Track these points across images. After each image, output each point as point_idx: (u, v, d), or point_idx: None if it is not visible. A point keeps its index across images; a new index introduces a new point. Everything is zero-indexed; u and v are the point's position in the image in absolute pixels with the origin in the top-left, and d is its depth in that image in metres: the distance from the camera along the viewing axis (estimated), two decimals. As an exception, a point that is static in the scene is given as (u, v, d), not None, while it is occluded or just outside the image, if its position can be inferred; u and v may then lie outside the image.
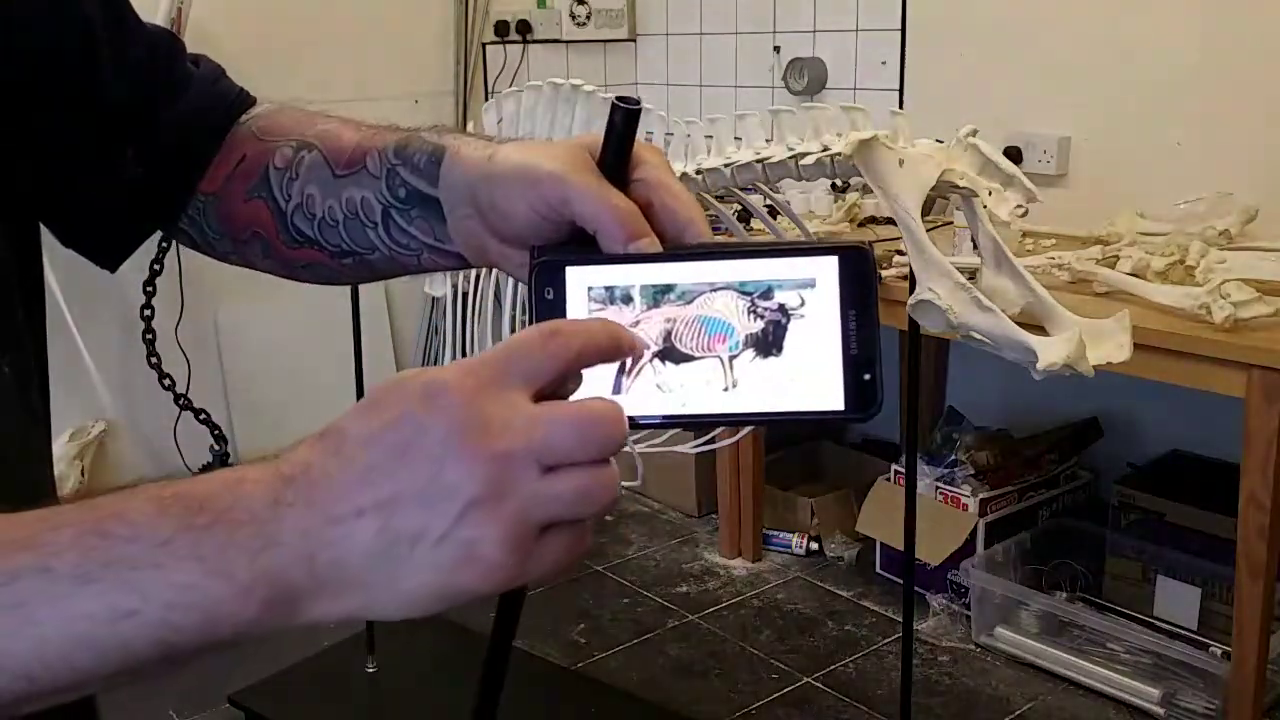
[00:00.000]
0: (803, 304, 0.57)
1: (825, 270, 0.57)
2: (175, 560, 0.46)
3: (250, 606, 0.48)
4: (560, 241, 0.62)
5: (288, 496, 0.48)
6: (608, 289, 0.57)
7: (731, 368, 0.56)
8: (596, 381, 0.55)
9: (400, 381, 0.49)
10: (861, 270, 0.57)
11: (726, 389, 0.56)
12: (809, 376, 0.56)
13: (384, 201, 0.74)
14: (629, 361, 0.55)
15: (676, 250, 0.60)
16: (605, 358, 0.53)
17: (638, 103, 0.62)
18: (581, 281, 0.58)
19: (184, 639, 0.47)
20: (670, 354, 0.57)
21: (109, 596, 0.46)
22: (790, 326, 0.57)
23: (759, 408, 0.56)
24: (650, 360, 0.56)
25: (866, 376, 0.56)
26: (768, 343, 0.56)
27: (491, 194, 0.65)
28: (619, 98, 0.62)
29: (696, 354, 0.56)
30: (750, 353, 0.56)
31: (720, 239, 0.56)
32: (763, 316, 0.57)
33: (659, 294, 0.57)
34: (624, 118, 0.62)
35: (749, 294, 0.57)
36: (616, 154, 0.62)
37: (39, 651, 0.45)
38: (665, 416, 0.57)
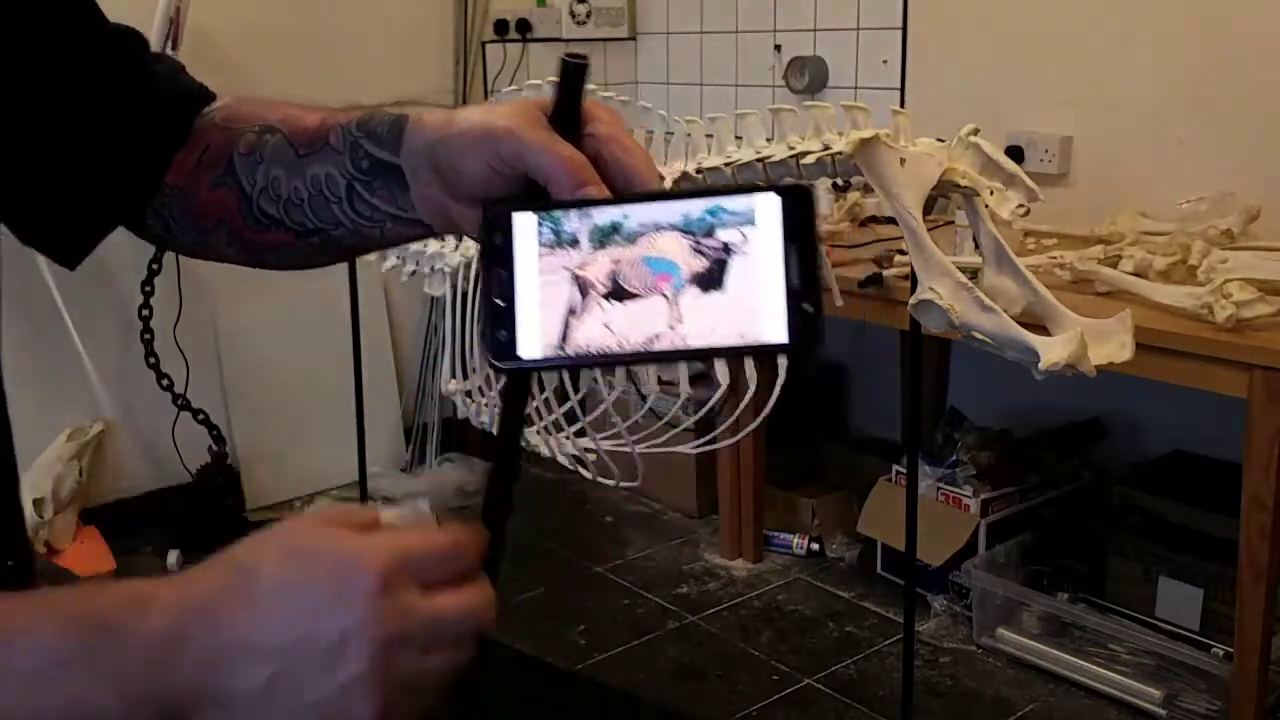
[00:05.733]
0: (745, 240, 0.58)
1: (766, 208, 0.58)
2: (72, 678, 0.50)
3: (139, 718, 0.51)
4: (515, 195, 0.65)
5: (192, 629, 0.52)
6: (555, 233, 0.60)
7: (677, 305, 0.58)
8: (548, 323, 0.58)
9: (320, 541, 0.54)
10: (802, 207, 0.58)
11: (672, 326, 0.58)
12: (753, 311, 0.58)
13: (348, 175, 0.77)
14: (578, 304, 0.58)
15: (621, 196, 0.62)
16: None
17: (585, 58, 0.65)
18: (528, 226, 0.60)
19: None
20: (617, 294, 0.59)
21: (8, 701, 0.49)
22: (733, 263, 0.58)
23: (705, 343, 0.58)
24: (598, 300, 0.59)
25: (809, 309, 0.58)
26: (711, 279, 0.58)
27: (450, 154, 0.68)
28: (567, 54, 0.65)
29: (642, 293, 0.59)
30: (694, 290, 0.58)
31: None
32: (706, 254, 0.58)
33: (604, 236, 0.59)
34: (572, 71, 0.65)
35: (692, 233, 0.58)
36: (565, 108, 0.65)
37: None
38: (613, 354, 0.59)
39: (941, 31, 3.39)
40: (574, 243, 0.60)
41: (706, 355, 0.60)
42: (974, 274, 1.50)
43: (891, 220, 2.51)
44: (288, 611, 0.51)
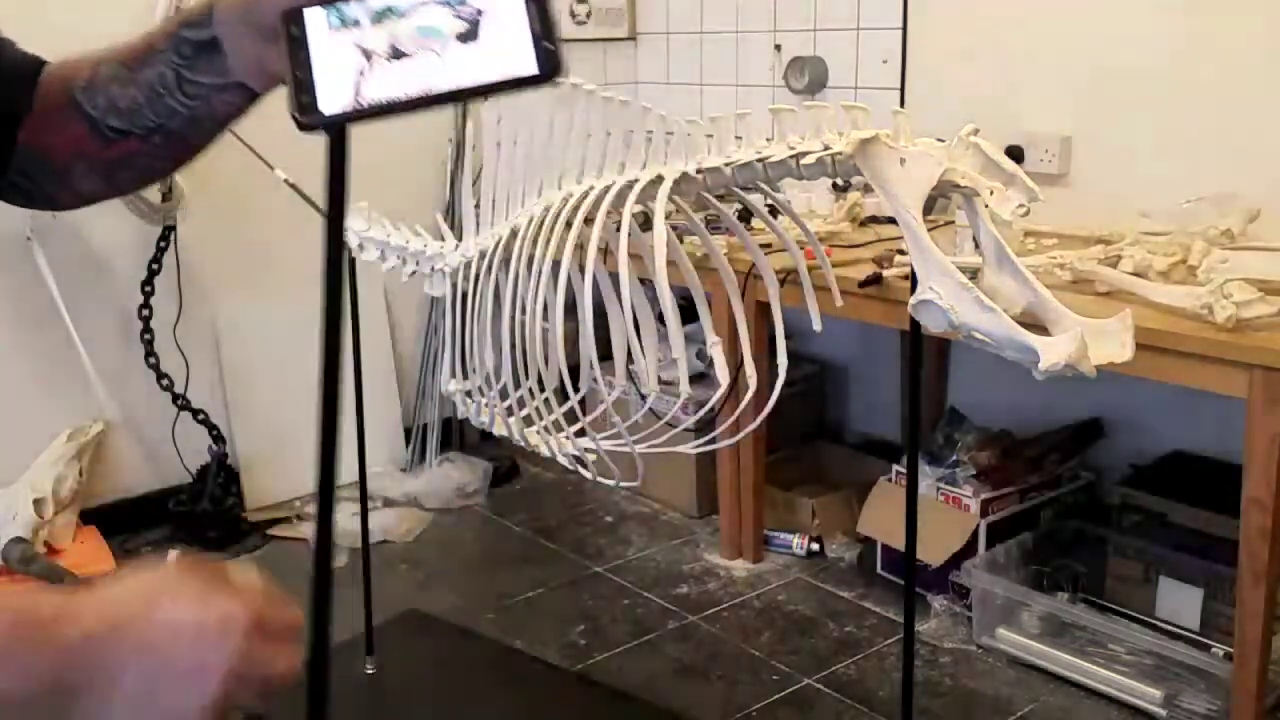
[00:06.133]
0: (492, 2, 0.74)
1: None
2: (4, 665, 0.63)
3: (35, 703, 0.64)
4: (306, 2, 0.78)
5: (96, 644, 0.65)
6: (340, 19, 0.75)
7: (444, 58, 0.74)
8: (343, 84, 0.73)
9: (208, 599, 0.69)
10: None
11: (443, 75, 0.73)
12: (506, 54, 0.73)
13: (174, 66, 0.88)
14: (365, 67, 0.73)
15: None
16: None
17: None
18: (319, 18, 0.75)
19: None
20: (396, 56, 0.74)
21: None
22: (484, 21, 0.74)
23: (473, 82, 0.73)
24: (381, 63, 0.74)
25: (550, 46, 0.73)
26: (470, 36, 0.73)
27: (257, 3, 0.81)
28: None
29: (415, 54, 0.74)
30: (457, 45, 0.73)
31: None
32: (463, 18, 0.74)
33: (381, 16, 0.75)
34: None
35: (449, 4, 0.74)
36: None
37: None
38: (398, 101, 0.74)
39: (941, 31, 3.39)
40: (357, 24, 0.75)
41: (473, 93, 0.74)
42: (974, 274, 1.50)
43: (891, 220, 2.51)
44: (173, 648, 0.67)
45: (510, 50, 0.74)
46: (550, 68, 0.73)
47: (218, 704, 0.68)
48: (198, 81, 0.88)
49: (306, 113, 0.74)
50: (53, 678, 0.64)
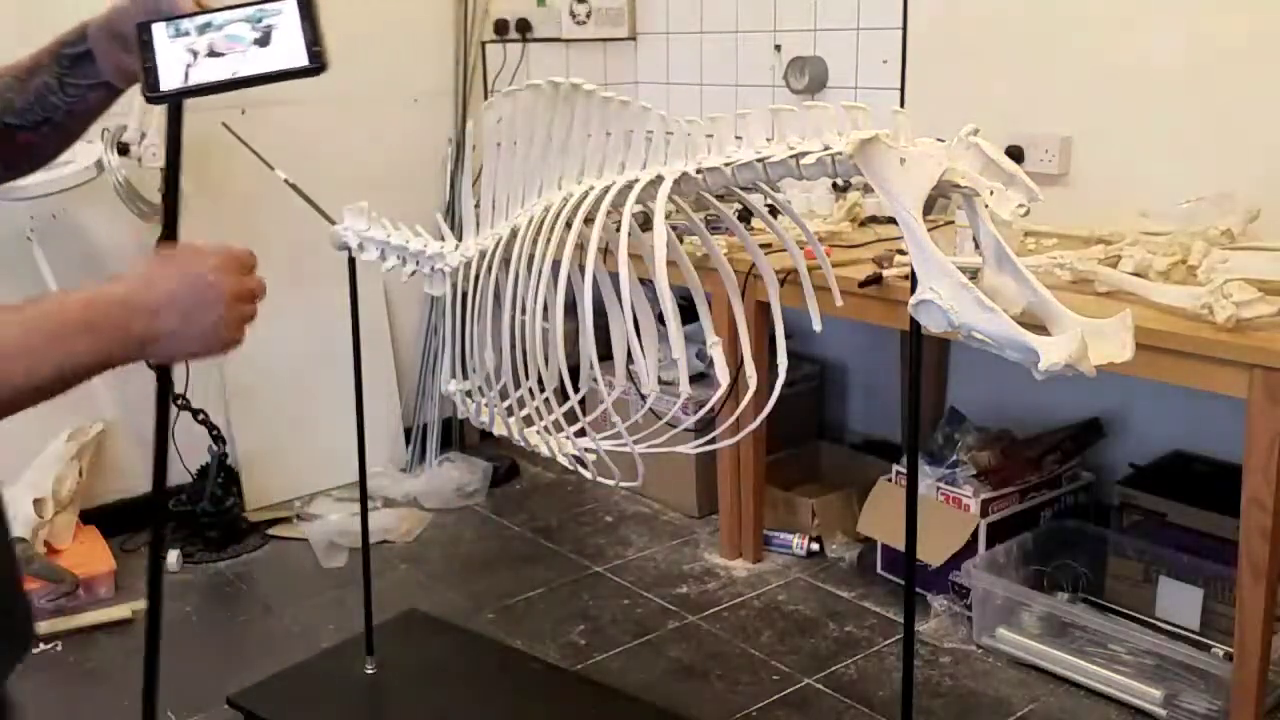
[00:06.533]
0: (280, 18, 1.15)
1: (287, 8, 1.16)
2: (94, 336, 0.97)
3: (124, 350, 0.99)
4: (154, 18, 1.16)
5: (140, 311, 0.99)
6: (176, 31, 1.14)
7: (246, 56, 1.14)
8: (176, 71, 1.13)
9: (196, 251, 1.05)
10: (305, 5, 1.16)
11: (245, 65, 1.14)
12: (288, 53, 1.14)
13: (58, 73, 1.24)
14: (192, 61, 1.13)
15: (210, 9, 1.17)
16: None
17: None
18: (162, 30, 1.14)
19: (98, 362, 0.97)
20: (213, 55, 1.13)
21: (77, 347, 0.95)
22: (273, 32, 1.15)
23: (264, 70, 1.14)
24: (204, 59, 1.13)
25: (318, 49, 1.15)
26: (264, 41, 1.14)
27: (118, 18, 1.20)
28: None
29: (227, 53, 1.14)
30: (255, 48, 1.14)
31: None
32: (258, 29, 1.14)
33: (204, 28, 1.15)
34: None
35: (250, 20, 1.15)
36: None
37: (68, 360, 0.95)
38: (214, 83, 1.13)
39: (941, 31, 3.39)
40: (188, 34, 1.14)
41: (264, 78, 1.15)
42: (974, 274, 1.50)
43: (891, 220, 2.51)
44: (185, 287, 1.01)
45: (291, 51, 1.15)
46: (318, 63, 1.16)
47: (230, 315, 1.03)
48: (76, 84, 1.25)
49: (153, 91, 1.14)
50: (130, 335, 0.99)
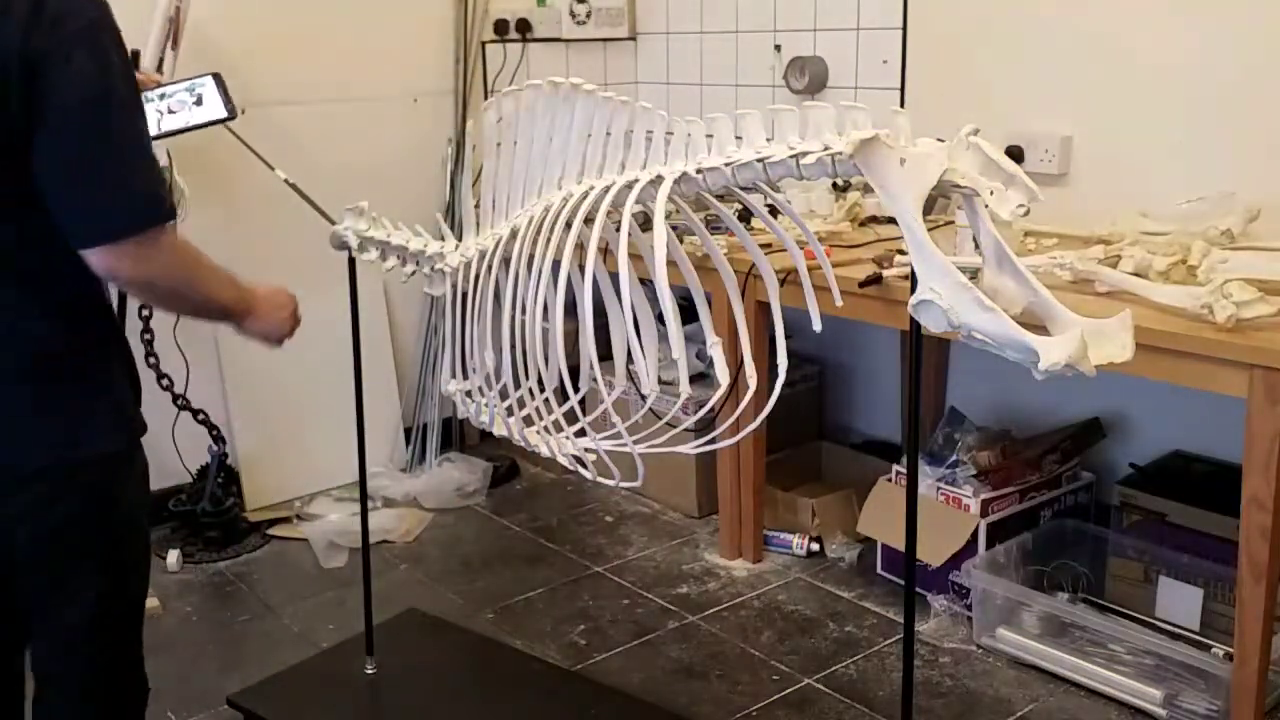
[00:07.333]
0: (205, 87, 2.53)
1: (208, 81, 2.55)
2: (235, 290, 1.73)
3: (238, 311, 1.76)
4: None
5: (250, 300, 1.77)
6: (148, 99, 2.26)
7: (189, 112, 2.54)
8: (152, 117, 2.36)
9: (284, 291, 1.87)
10: (218, 79, 2.54)
11: (190, 118, 2.55)
12: (215, 109, 2.54)
13: None
14: (160, 118, 2.53)
15: (164, 83, 2.70)
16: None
17: None
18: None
19: (226, 309, 1.73)
20: (170, 112, 2.52)
21: (229, 292, 1.72)
22: (204, 96, 2.53)
23: (201, 120, 2.54)
24: (166, 114, 2.55)
25: (230, 105, 2.54)
26: (199, 102, 2.51)
27: None
28: None
29: (180, 111, 2.52)
30: (194, 106, 2.51)
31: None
32: (194, 95, 2.49)
33: (163, 96, 2.56)
34: None
35: (188, 90, 2.49)
36: None
37: (222, 296, 1.71)
38: (174, 129, 2.54)
39: (941, 31, 3.39)
40: (153, 100, 2.44)
41: (201, 125, 2.54)
42: (974, 274, 1.50)
43: (891, 220, 2.51)
44: (273, 302, 1.82)
45: (216, 107, 2.48)
46: (233, 114, 2.53)
47: (288, 323, 1.85)
48: None
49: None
50: (246, 303, 1.74)
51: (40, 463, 1.54)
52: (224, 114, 2.50)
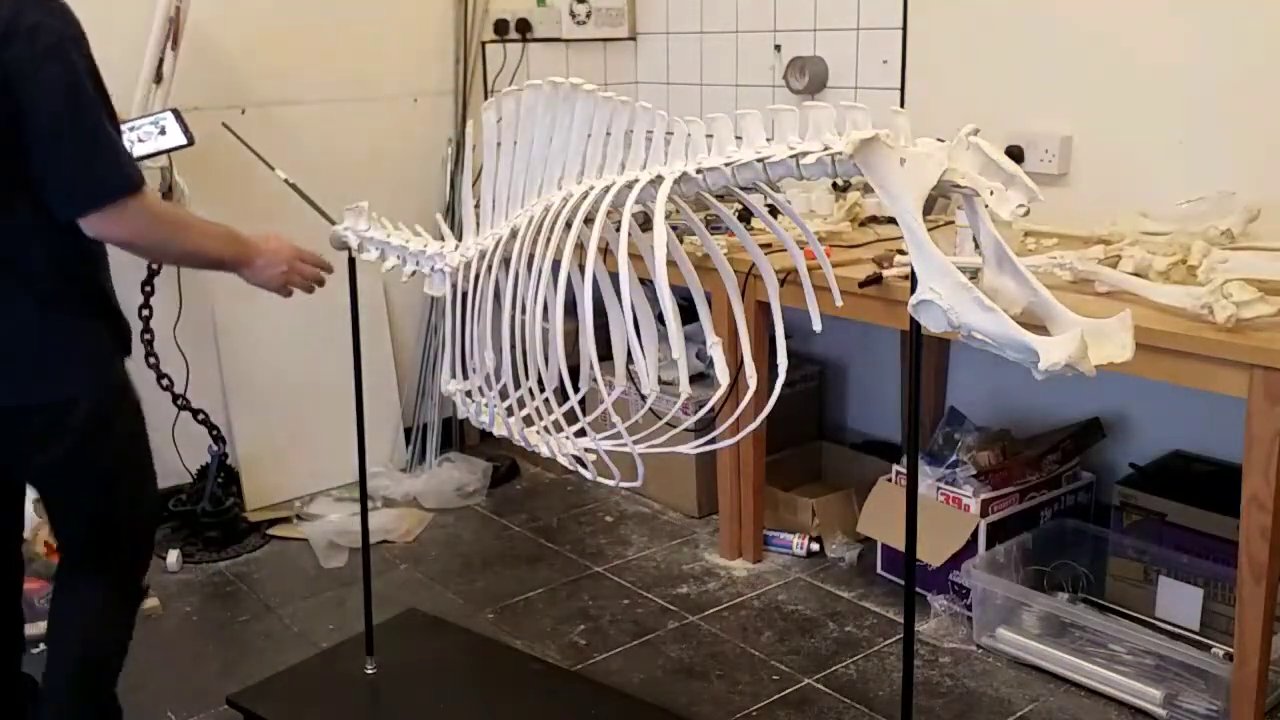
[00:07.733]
0: (166, 119, 2.78)
1: (170, 117, 2.79)
2: (231, 242, 2.09)
3: (234, 261, 2.10)
4: None
5: (249, 250, 2.12)
6: (119, 131, 1.92)
7: (155, 140, 2.76)
8: (128, 143, 2.38)
9: (287, 241, 2.16)
10: (176, 113, 2.80)
11: (156, 145, 2.80)
12: (176, 137, 2.79)
13: None
14: (133, 146, 2.73)
15: (132, 119, 2.87)
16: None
17: None
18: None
19: (221, 259, 2.09)
20: (141, 140, 2.78)
21: (216, 240, 2.07)
22: (167, 127, 2.78)
23: (166, 147, 2.81)
24: (137, 142, 2.79)
25: (189, 133, 2.79)
26: (163, 132, 2.77)
27: None
28: None
29: (148, 140, 2.79)
30: (159, 135, 2.76)
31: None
32: (158, 127, 2.77)
33: (133, 128, 2.80)
34: None
35: (153, 123, 2.79)
36: None
37: (213, 248, 2.08)
38: (145, 154, 2.76)
39: (941, 31, 3.39)
40: (124, 133, 2.14)
41: (165, 151, 2.84)
42: (974, 274, 1.50)
43: (891, 220, 2.51)
44: (272, 252, 2.13)
45: (177, 135, 2.75)
46: (190, 141, 2.79)
47: (284, 274, 2.12)
48: None
49: None
50: (242, 254, 2.08)
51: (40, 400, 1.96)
52: (184, 141, 2.78)
